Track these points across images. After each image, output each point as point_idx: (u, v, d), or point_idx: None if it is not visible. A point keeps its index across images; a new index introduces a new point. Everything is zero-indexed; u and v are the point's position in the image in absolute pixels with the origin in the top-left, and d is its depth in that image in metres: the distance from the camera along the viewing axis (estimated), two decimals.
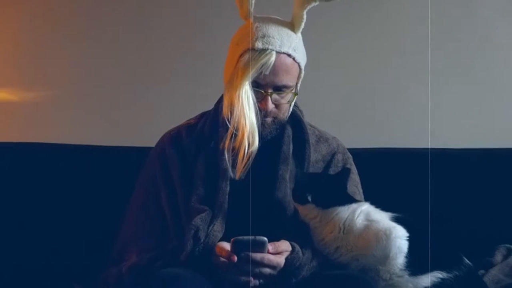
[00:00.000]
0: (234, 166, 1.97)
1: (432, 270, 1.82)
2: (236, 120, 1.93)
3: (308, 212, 1.92)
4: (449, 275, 1.82)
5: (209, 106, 2.11)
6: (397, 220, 1.89)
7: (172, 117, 2.24)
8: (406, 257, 1.83)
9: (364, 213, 1.90)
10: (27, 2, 2.76)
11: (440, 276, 1.81)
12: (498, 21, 2.72)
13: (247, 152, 1.94)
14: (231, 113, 1.93)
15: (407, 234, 1.85)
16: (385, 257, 1.83)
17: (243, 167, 1.95)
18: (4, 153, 2.49)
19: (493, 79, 2.73)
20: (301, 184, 1.94)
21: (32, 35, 2.77)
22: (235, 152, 1.96)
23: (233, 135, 1.95)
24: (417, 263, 1.83)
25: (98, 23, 2.76)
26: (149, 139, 2.23)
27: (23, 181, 2.44)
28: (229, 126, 1.95)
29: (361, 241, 1.87)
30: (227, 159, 1.96)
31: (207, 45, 2.72)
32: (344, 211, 1.90)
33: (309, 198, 1.91)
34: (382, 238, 1.84)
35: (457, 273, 1.82)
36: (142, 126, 2.70)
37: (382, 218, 1.89)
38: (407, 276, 1.82)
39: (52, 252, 2.36)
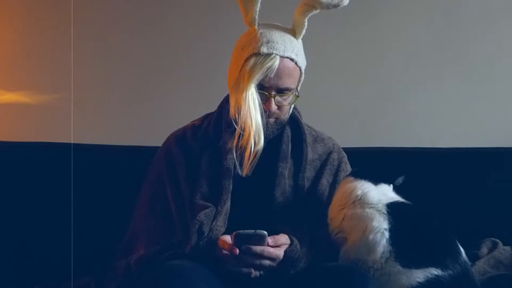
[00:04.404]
0: (240, 164, 2.02)
1: (427, 266, 1.81)
2: (243, 120, 1.97)
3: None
4: (444, 273, 1.80)
5: (211, 107, 2.16)
6: (394, 206, 1.92)
7: (176, 118, 2.32)
8: (391, 245, 1.85)
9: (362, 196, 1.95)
10: (39, 8, 2.81)
11: (435, 273, 1.80)
12: (497, 21, 2.74)
13: (253, 151, 1.98)
14: (238, 114, 1.97)
15: (386, 227, 1.87)
16: (366, 247, 1.86)
17: (250, 165, 2.00)
18: (21, 152, 2.56)
19: (487, 80, 2.74)
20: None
21: (43, 41, 2.81)
22: (241, 150, 2.00)
23: (240, 135, 1.99)
24: (406, 254, 1.83)
25: (109, 27, 2.80)
26: (152, 139, 2.33)
27: (39, 179, 2.49)
28: (236, 126, 1.99)
29: (350, 223, 1.92)
30: (235, 157, 2.02)
31: (210, 47, 2.74)
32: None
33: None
34: (361, 229, 1.88)
35: (451, 272, 1.80)
36: (152, 126, 2.74)
37: (372, 203, 1.93)
38: (399, 267, 1.82)
39: (52, 252, 2.39)
